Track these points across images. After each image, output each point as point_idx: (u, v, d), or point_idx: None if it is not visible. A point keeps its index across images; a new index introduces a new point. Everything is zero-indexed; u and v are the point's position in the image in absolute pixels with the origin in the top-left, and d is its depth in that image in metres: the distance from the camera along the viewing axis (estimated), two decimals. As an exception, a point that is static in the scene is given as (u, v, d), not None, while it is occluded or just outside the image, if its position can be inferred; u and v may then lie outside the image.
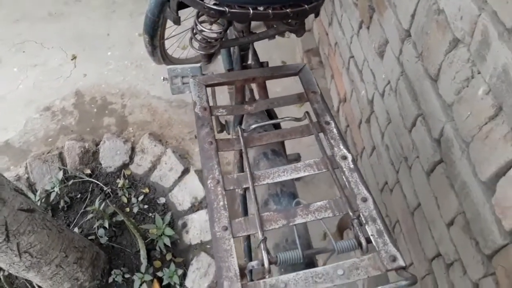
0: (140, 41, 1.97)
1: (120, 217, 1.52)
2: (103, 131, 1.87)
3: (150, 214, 1.60)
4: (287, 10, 0.67)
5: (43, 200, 1.61)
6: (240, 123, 0.97)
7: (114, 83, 2.07)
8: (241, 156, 1.06)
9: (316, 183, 1.60)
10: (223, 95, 1.57)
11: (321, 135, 0.68)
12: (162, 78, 0.97)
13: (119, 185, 1.66)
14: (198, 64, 0.93)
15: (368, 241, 0.52)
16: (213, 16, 0.67)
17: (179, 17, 0.78)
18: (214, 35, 0.75)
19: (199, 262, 1.48)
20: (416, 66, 0.96)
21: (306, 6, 0.69)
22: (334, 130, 0.67)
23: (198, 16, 0.74)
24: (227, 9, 0.65)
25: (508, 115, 0.66)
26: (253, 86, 1.09)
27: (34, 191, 1.66)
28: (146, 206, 1.63)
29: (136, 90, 2.03)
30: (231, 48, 0.98)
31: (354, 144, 1.57)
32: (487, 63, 0.70)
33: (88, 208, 1.57)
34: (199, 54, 2.29)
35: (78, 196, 1.66)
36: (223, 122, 1.14)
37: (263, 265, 0.52)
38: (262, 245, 0.52)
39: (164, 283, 1.42)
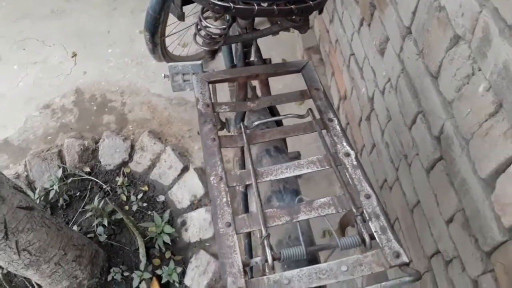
0: (141, 38, 1.96)
1: (119, 215, 1.51)
2: (102, 128, 1.87)
3: (149, 212, 1.60)
4: (292, 6, 0.67)
5: (42, 198, 1.61)
6: (242, 120, 0.96)
7: (114, 80, 2.07)
8: (242, 153, 1.06)
9: (317, 180, 1.60)
10: (223, 92, 1.57)
11: (323, 132, 0.67)
12: (163, 75, 0.97)
13: (119, 183, 1.66)
14: (199, 62, 0.93)
15: (372, 237, 0.52)
16: (218, 12, 0.67)
17: (184, 13, 0.78)
18: (219, 31, 0.74)
19: (198, 260, 1.47)
20: (417, 63, 0.96)
21: (310, 2, 0.68)
22: (337, 127, 0.67)
23: (202, 12, 0.74)
24: (232, 5, 0.65)
25: (509, 111, 0.65)
26: (255, 83, 1.09)
27: (33, 189, 1.65)
28: (145, 204, 1.63)
29: (136, 88, 2.03)
30: (234, 45, 0.97)
31: (354, 141, 1.56)
32: (488, 59, 0.69)
33: (87, 206, 1.57)
34: (201, 52, 2.29)
35: (77, 194, 1.66)
36: (223, 120, 1.14)
37: (266, 261, 0.52)
38: (265, 241, 0.52)
39: (163, 281, 1.42)
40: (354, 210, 0.55)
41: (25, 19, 2.41)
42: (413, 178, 1.06)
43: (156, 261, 1.48)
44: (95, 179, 1.67)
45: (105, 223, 1.52)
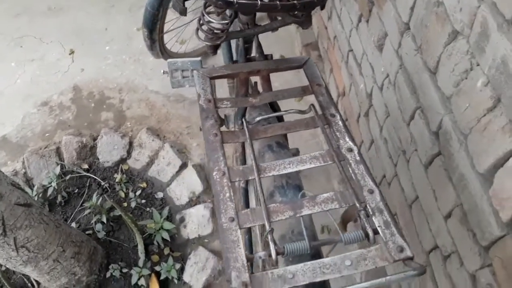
0: (139, 35, 1.96)
1: (117, 212, 1.51)
2: (100, 125, 1.86)
3: (148, 209, 1.60)
4: (295, 2, 0.67)
5: (40, 195, 1.61)
6: (243, 116, 0.96)
7: (112, 77, 2.07)
8: (243, 149, 1.06)
9: (315, 176, 1.60)
10: (222, 89, 1.57)
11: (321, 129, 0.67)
12: (162, 71, 0.97)
13: (117, 180, 1.66)
14: (199, 58, 0.92)
15: (375, 232, 0.52)
16: (221, 7, 0.67)
17: (186, 8, 0.78)
18: (221, 26, 0.74)
19: (197, 256, 1.48)
20: (415, 59, 0.96)
21: None
22: (340, 122, 0.67)
23: (205, 7, 0.74)
24: (235, 0, 0.64)
25: (507, 106, 0.66)
26: (256, 78, 1.09)
27: (31, 186, 1.65)
28: (143, 201, 1.62)
29: (134, 85, 2.03)
30: (235, 41, 0.97)
31: (352, 138, 1.56)
32: (486, 54, 0.69)
33: (86, 203, 1.57)
34: (199, 49, 2.28)
35: (76, 191, 1.65)
36: (222, 117, 1.14)
37: (270, 256, 0.52)
38: (269, 236, 0.52)
39: (162, 277, 1.42)
40: (357, 205, 0.55)
41: (22, 16, 2.40)
42: (411, 173, 1.06)
43: (155, 258, 1.48)
44: (93, 176, 1.67)
45: (104, 220, 1.52)
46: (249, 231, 1.12)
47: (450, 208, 0.87)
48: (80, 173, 1.68)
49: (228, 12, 0.75)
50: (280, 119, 0.96)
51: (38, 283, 1.42)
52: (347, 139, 0.63)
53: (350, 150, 0.62)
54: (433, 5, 0.85)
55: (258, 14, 0.84)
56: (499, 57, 0.66)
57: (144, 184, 1.67)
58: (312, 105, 0.71)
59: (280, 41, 2.02)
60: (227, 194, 0.58)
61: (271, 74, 0.85)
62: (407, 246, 0.50)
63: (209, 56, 2.05)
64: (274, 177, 0.72)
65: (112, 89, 2.02)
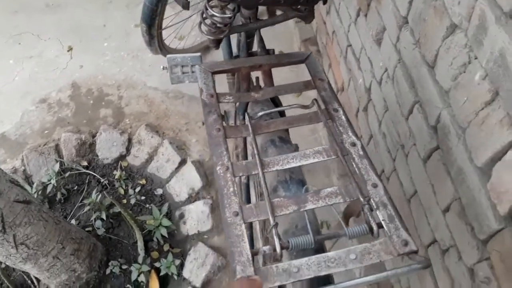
0: (137, 32, 1.95)
1: (117, 209, 1.51)
2: (99, 122, 1.86)
3: (147, 206, 1.60)
4: None
5: (39, 192, 1.61)
6: (245, 111, 0.96)
7: (111, 74, 2.06)
8: (245, 144, 1.05)
9: (314, 172, 1.60)
10: (222, 86, 1.56)
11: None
12: (162, 67, 0.96)
13: (116, 177, 1.66)
14: (198, 53, 0.92)
15: (379, 226, 0.52)
16: (224, 0, 0.66)
17: (188, 1, 0.77)
18: (224, 20, 0.74)
19: (196, 252, 1.48)
20: (414, 53, 0.96)
21: None
22: (343, 117, 0.66)
23: (208, 1, 0.73)
24: None
25: (505, 99, 0.65)
26: (258, 73, 1.09)
27: (30, 184, 1.65)
28: (143, 198, 1.63)
29: (133, 81, 2.02)
30: (237, 36, 0.97)
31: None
32: (484, 47, 0.69)
33: (85, 200, 1.57)
34: (197, 44, 2.27)
35: (75, 188, 1.65)
36: (222, 113, 1.14)
37: (275, 250, 0.52)
38: (273, 230, 0.52)
39: (162, 273, 1.43)
40: (361, 199, 0.55)
41: (20, 13, 2.39)
42: (410, 168, 1.06)
43: (155, 254, 1.48)
44: (92, 173, 1.67)
45: (103, 216, 1.52)
46: (249, 227, 1.12)
47: (448, 202, 0.87)
48: (80, 170, 1.68)
49: (230, 6, 0.75)
50: (281, 114, 0.96)
51: (38, 280, 1.42)
52: (350, 134, 0.63)
53: (354, 144, 0.62)
54: (431, -1, 0.85)
55: (260, 9, 0.84)
56: (497, 50, 0.65)
57: (144, 181, 1.67)
58: (315, 99, 0.71)
59: (279, 37, 2.01)
60: (231, 189, 0.58)
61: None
62: (411, 239, 0.50)
63: (208, 52, 2.04)
64: (278, 171, 0.72)
65: (111, 85, 2.02)
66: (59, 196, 1.61)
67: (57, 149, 1.75)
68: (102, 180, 1.65)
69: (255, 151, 0.62)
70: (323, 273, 0.49)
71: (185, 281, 1.44)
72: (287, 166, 0.61)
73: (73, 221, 1.55)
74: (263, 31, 0.88)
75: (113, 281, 1.44)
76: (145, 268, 1.42)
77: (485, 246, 0.75)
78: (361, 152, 0.61)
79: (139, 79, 2.03)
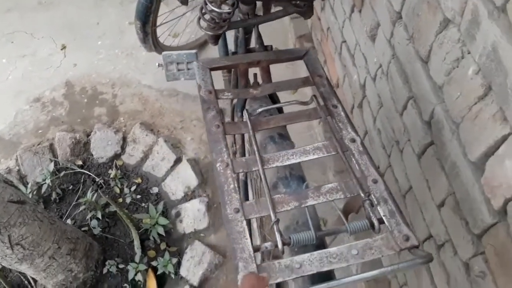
0: (131, 29, 1.94)
1: (113, 208, 1.51)
2: (94, 121, 1.85)
3: (143, 204, 1.60)
4: None
5: (34, 192, 1.60)
6: (243, 108, 0.95)
7: (105, 72, 2.05)
8: (243, 141, 1.05)
9: (309, 169, 1.60)
10: (218, 84, 1.56)
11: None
12: (157, 64, 0.96)
13: (111, 176, 1.65)
14: (194, 50, 0.91)
15: (381, 221, 0.52)
16: None
17: None
18: (223, 15, 0.73)
19: (193, 250, 1.48)
20: (407, 49, 0.96)
21: None
22: (342, 113, 0.66)
23: None
24: None
25: (497, 94, 0.65)
26: (256, 70, 1.08)
27: (25, 184, 1.64)
28: (139, 196, 1.62)
29: (127, 79, 2.01)
30: (234, 32, 0.96)
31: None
32: (477, 42, 0.69)
33: (81, 200, 1.56)
34: (192, 42, 2.25)
35: (70, 187, 1.65)
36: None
37: (276, 246, 0.51)
38: (275, 227, 0.52)
39: (159, 272, 1.42)
40: (362, 194, 0.55)
41: (13, 11, 2.37)
42: (405, 164, 1.06)
43: (151, 253, 1.48)
44: (87, 172, 1.66)
45: (99, 216, 1.52)
46: (249, 224, 1.12)
47: (443, 197, 0.87)
48: (74, 169, 1.67)
49: (229, 1, 0.74)
50: (280, 110, 0.96)
51: (35, 281, 1.41)
52: (350, 130, 0.63)
53: (353, 140, 0.62)
54: (424, -6, 0.84)
55: (258, 5, 0.83)
56: (490, 45, 0.65)
57: (139, 180, 1.66)
58: (314, 96, 0.70)
59: (274, 33, 2.00)
60: (232, 185, 0.57)
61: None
62: (412, 234, 0.50)
63: (203, 49, 2.04)
64: (278, 168, 0.72)
65: (105, 84, 2.00)
66: (54, 196, 1.60)
67: (52, 148, 1.74)
68: (97, 179, 1.65)
69: (255, 148, 0.62)
70: (325, 269, 0.49)
71: (182, 280, 1.44)
72: (287, 163, 0.61)
73: (68, 221, 1.55)
74: (259, 27, 0.88)
75: (110, 280, 1.44)
76: (142, 267, 1.41)
77: (480, 241, 0.75)
78: (360, 148, 0.61)
79: (133, 77, 2.02)
